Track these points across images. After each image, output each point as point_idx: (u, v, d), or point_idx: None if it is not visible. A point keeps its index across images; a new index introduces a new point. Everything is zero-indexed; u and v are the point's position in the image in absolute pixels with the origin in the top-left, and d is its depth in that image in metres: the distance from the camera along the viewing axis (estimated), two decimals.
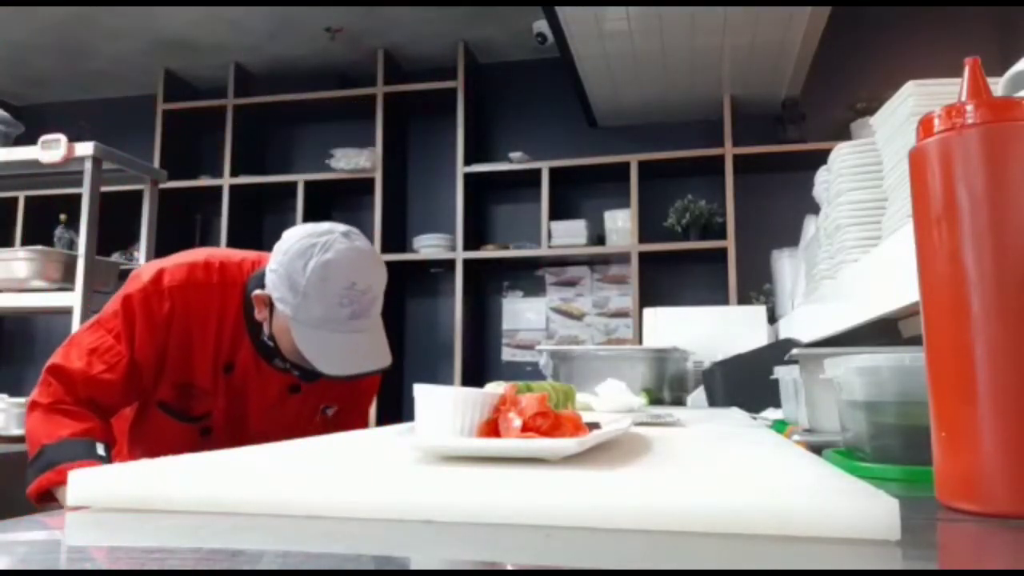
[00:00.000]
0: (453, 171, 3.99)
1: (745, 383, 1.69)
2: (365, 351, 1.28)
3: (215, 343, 1.33)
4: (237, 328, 1.34)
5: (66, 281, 2.24)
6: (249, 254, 1.41)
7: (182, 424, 1.35)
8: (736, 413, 1.42)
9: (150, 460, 0.59)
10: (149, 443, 1.39)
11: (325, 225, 1.30)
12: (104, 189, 2.26)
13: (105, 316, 1.32)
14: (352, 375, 1.26)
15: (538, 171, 3.83)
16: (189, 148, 4.49)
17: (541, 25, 3.70)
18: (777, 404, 1.32)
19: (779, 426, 1.14)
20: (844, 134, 3.50)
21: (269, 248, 1.38)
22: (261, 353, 1.35)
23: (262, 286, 1.30)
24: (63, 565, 0.41)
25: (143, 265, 1.38)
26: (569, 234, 3.81)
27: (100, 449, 1.26)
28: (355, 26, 3.87)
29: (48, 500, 1.24)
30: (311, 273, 1.22)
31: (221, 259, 1.36)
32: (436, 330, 4.17)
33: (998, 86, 0.96)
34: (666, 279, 3.88)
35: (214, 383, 1.34)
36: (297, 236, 1.27)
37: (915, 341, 0.89)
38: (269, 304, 1.28)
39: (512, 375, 4.01)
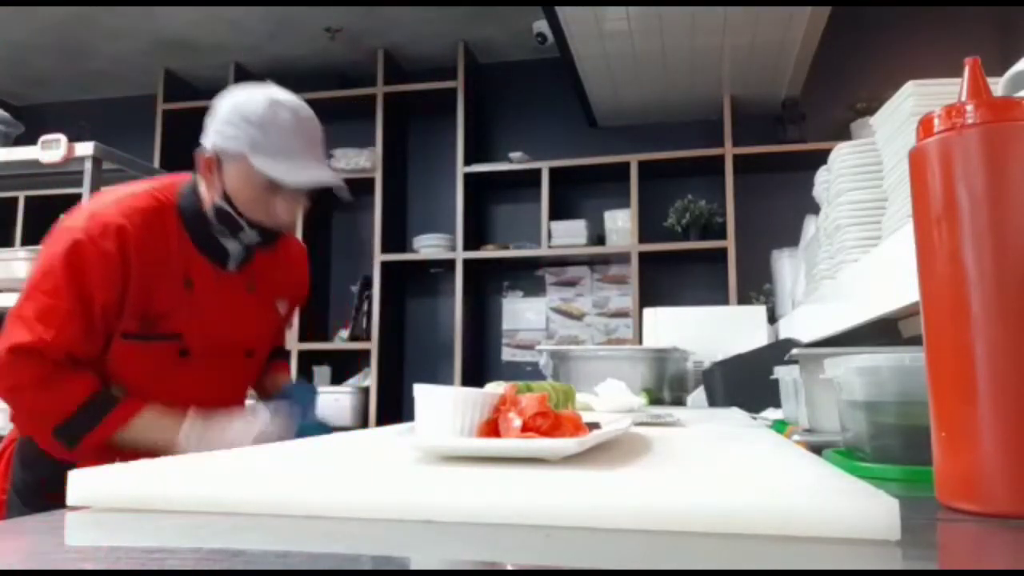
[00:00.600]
0: (453, 171, 3.99)
1: (745, 383, 1.69)
2: (325, 174, 1.35)
3: (169, 264, 1.33)
4: (183, 245, 1.35)
5: None
6: (167, 177, 1.44)
7: (155, 345, 1.33)
8: (736, 413, 1.42)
9: (150, 459, 0.59)
10: (130, 375, 1.35)
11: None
12: (104, 189, 2.26)
13: (36, 280, 1.27)
14: (317, 183, 1.33)
15: (538, 171, 3.84)
16: (189, 148, 4.46)
17: (541, 25, 3.70)
18: (777, 404, 1.32)
19: (779, 426, 1.14)
20: (844, 134, 3.50)
21: None
22: (213, 260, 1.38)
23: (196, 197, 1.35)
24: (63, 565, 0.41)
25: (63, 218, 1.33)
26: (569, 234, 3.81)
27: (114, 392, 1.29)
28: (355, 26, 3.87)
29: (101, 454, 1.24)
30: (261, 107, 1.29)
31: (144, 188, 1.38)
32: (436, 330, 4.17)
33: (998, 86, 0.96)
34: (666, 279, 3.89)
35: (178, 302, 1.34)
36: (234, 91, 1.34)
37: (915, 341, 0.89)
38: (217, 164, 1.32)
39: (512, 375, 4.01)
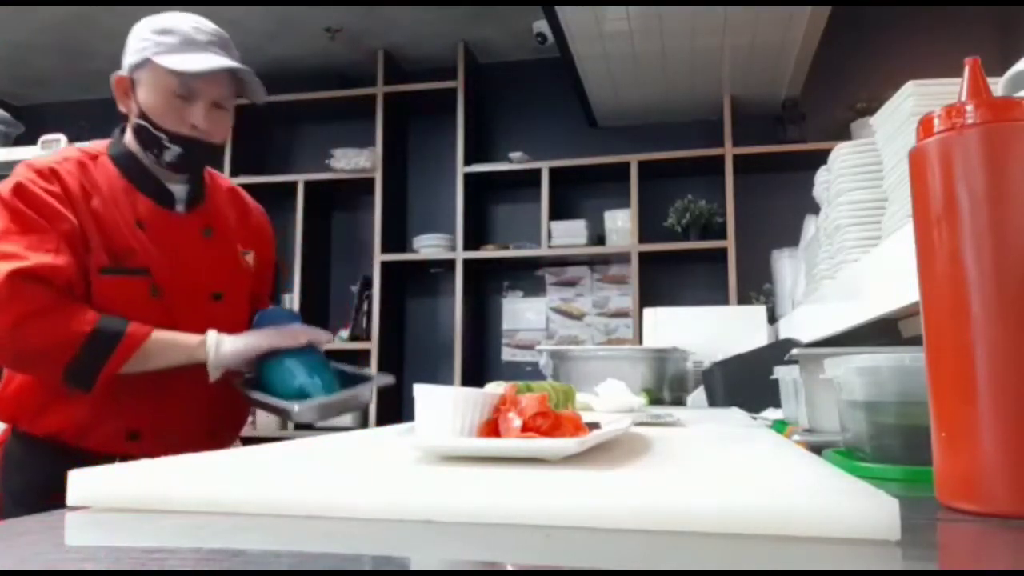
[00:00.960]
0: (453, 171, 3.99)
1: (745, 383, 1.69)
2: (225, 61, 1.35)
3: (116, 206, 1.33)
4: (125, 189, 1.35)
5: None
6: (92, 141, 1.46)
7: (128, 281, 1.31)
8: (736, 413, 1.42)
9: (150, 459, 0.59)
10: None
11: None
12: None
13: (3, 225, 1.24)
14: (216, 67, 1.32)
15: (538, 171, 3.83)
16: None
17: (541, 25, 3.70)
18: (777, 404, 1.32)
19: (779, 426, 1.14)
20: (844, 134, 3.50)
21: None
22: (161, 203, 1.38)
23: (123, 142, 1.38)
24: (63, 565, 0.41)
25: None
26: (569, 234, 3.81)
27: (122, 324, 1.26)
28: (355, 26, 3.87)
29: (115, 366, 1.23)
30: (165, 19, 1.35)
31: (72, 147, 1.40)
32: (436, 330, 4.17)
33: (998, 86, 0.96)
34: (666, 279, 3.88)
35: (136, 242, 1.33)
36: (143, 18, 1.39)
37: (915, 341, 0.89)
38: (131, 84, 1.35)
39: (512, 375, 4.01)
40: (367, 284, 4.03)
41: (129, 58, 1.36)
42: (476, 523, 0.47)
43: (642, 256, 3.71)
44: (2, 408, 1.35)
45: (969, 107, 0.52)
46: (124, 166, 1.37)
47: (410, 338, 4.22)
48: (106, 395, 1.27)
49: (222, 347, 1.31)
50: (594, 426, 0.68)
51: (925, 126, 0.54)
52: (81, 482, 0.54)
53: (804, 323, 1.96)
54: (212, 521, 0.49)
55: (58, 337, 1.21)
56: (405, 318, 4.24)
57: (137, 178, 1.37)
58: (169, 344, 1.29)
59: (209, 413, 1.42)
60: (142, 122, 1.34)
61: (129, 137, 1.39)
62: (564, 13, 2.94)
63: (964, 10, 3.61)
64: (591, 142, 4.03)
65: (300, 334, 1.41)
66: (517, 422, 0.60)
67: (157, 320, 1.32)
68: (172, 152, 1.36)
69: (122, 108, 1.38)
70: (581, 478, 0.49)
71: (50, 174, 1.29)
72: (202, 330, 1.36)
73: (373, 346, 3.86)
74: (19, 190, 1.26)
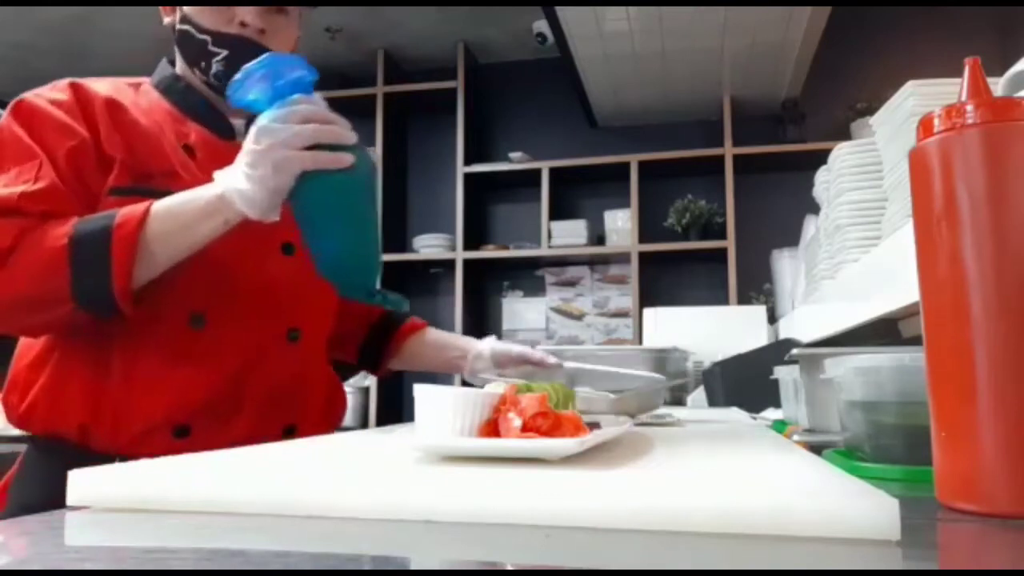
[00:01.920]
0: (453, 171, 3.99)
1: (745, 383, 1.69)
2: None
3: (158, 126, 1.10)
4: (171, 114, 1.13)
5: None
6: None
7: (140, 202, 1.01)
8: (736, 413, 1.42)
9: (150, 459, 0.59)
10: None
11: None
12: None
13: None
14: None
15: (538, 171, 3.84)
16: None
17: (541, 25, 3.70)
18: (777, 404, 1.32)
19: (779, 426, 1.13)
20: (844, 134, 3.50)
21: None
22: (215, 130, 1.14)
23: (169, 68, 1.18)
24: (63, 565, 0.41)
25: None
26: (569, 234, 3.81)
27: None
28: (355, 26, 3.87)
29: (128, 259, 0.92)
30: None
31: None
32: None
33: (998, 86, 0.96)
34: (666, 279, 3.89)
35: (181, 164, 1.08)
36: None
37: (915, 341, 0.89)
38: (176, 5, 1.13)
39: None
40: None
41: None
42: (476, 523, 0.47)
43: (642, 256, 3.71)
44: (16, 404, 1.05)
45: (969, 107, 0.51)
46: (169, 89, 1.15)
47: None
48: (138, 375, 1.01)
49: (237, 184, 0.91)
50: (594, 426, 0.68)
51: (925, 126, 0.54)
52: (81, 482, 0.54)
53: (804, 323, 1.96)
54: (212, 521, 0.49)
55: (37, 264, 0.92)
56: None
57: (185, 102, 1.14)
58: (187, 211, 0.95)
59: (285, 393, 1.11)
60: (185, 27, 1.10)
61: (178, 64, 1.16)
62: (564, 13, 2.94)
63: (964, 10, 3.61)
64: (591, 142, 4.03)
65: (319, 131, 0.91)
66: (517, 422, 0.60)
67: (192, 261, 0.99)
68: (219, 58, 1.08)
69: (167, 21, 1.15)
70: (581, 478, 0.49)
71: (67, 86, 1.09)
72: (268, 290, 1.10)
73: None
74: (17, 111, 1.04)
